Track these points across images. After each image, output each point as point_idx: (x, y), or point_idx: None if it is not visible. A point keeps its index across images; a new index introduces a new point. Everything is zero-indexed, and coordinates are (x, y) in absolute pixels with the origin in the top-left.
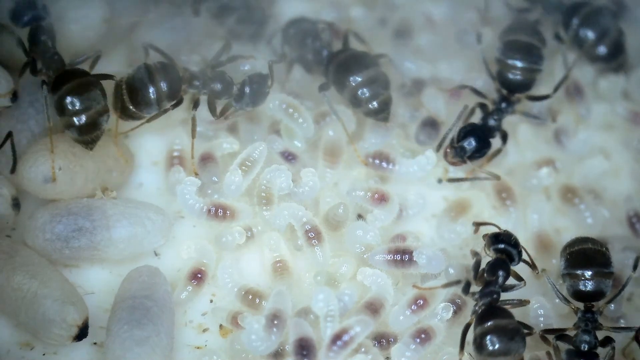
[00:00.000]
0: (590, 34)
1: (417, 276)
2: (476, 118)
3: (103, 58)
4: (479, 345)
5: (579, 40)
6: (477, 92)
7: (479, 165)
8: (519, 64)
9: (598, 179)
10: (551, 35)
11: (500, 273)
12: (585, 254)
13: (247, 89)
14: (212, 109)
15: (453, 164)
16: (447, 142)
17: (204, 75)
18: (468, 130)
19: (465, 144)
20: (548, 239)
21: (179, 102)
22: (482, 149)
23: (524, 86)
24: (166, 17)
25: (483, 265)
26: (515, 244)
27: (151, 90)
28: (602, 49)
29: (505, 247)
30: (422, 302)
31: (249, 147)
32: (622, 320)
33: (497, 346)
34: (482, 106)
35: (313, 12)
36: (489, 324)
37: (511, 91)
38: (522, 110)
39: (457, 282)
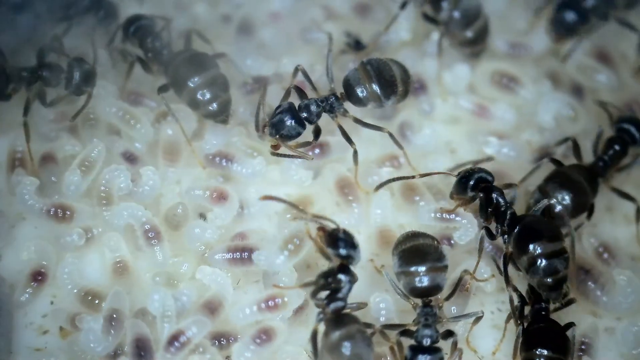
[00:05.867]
0: (461, 17)
1: (259, 273)
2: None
3: None
4: (335, 350)
5: (453, 23)
6: (306, 75)
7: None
8: (374, 87)
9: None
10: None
11: (343, 277)
12: (418, 250)
13: (75, 72)
14: (43, 101)
15: (274, 147)
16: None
17: (32, 69)
18: (285, 109)
19: (278, 120)
20: (391, 234)
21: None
22: (295, 129)
23: (360, 102)
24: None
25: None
26: (353, 244)
27: None
28: (470, 33)
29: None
30: (273, 304)
31: (87, 148)
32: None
33: (354, 351)
34: (298, 90)
35: (157, 9)
36: (344, 330)
37: (348, 98)
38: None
39: (314, 283)
